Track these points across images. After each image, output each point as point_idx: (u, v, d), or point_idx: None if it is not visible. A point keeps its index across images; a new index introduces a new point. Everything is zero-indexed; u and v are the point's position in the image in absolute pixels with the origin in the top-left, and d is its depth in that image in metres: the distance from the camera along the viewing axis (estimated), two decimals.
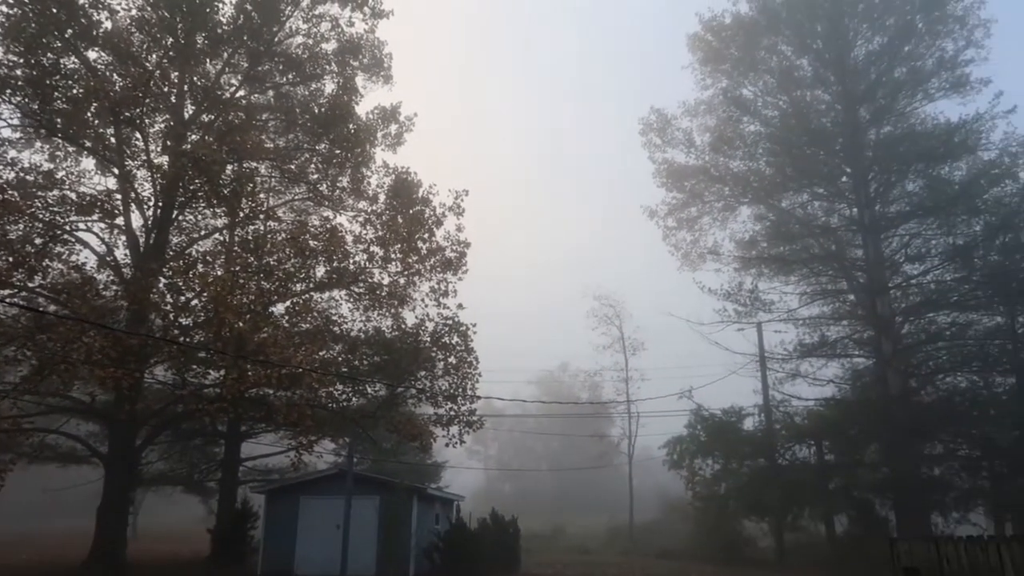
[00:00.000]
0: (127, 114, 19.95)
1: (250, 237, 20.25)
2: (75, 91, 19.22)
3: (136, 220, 21.41)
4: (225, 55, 23.25)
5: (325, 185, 24.28)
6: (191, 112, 22.64)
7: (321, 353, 20.61)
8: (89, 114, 19.88)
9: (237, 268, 19.07)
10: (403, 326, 22.91)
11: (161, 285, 18.76)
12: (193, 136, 21.50)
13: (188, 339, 19.11)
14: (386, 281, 22.30)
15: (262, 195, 22.58)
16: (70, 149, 22.91)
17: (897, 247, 30.94)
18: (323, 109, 23.17)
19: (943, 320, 29.99)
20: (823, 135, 31.86)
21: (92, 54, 20.84)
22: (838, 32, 32.40)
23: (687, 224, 35.99)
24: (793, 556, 29.23)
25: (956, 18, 30.81)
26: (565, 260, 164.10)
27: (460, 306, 22.78)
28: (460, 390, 21.99)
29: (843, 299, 32.78)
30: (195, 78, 22.44)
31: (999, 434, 27.18)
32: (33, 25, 18.59)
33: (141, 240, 21.27)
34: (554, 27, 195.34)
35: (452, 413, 22.11)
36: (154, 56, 21.30)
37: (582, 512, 59.72)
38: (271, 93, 25.96)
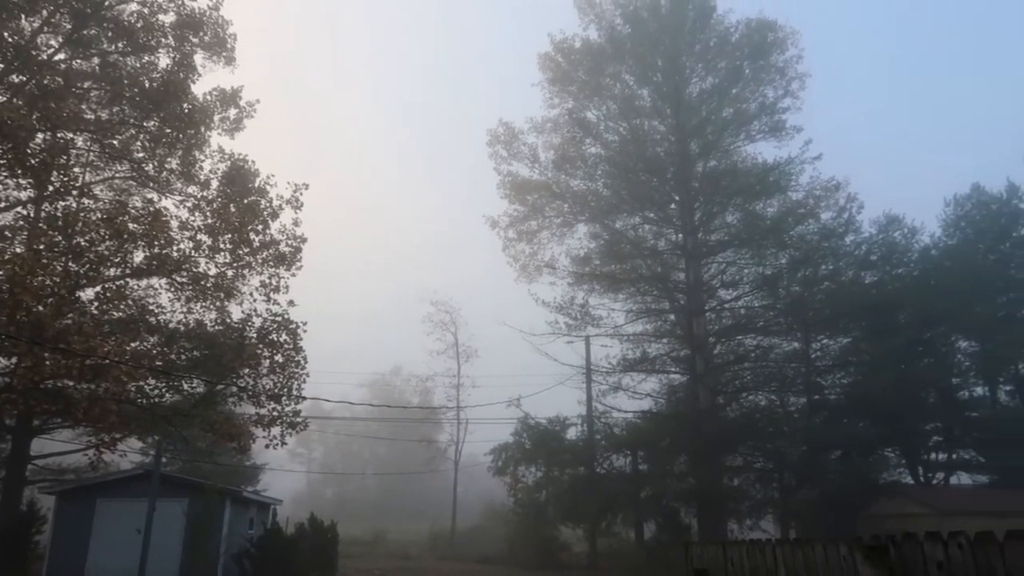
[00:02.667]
0: None
1: (59, 214, 18.39)
2: None
3: None
4: (45, 13, 21.02)
5: (151, 165, 22.54)
6: None
7: (133, 344, 19.07)
8: None
9: (41, 247, 17.25)
10: (228, 320, 21.69)
11: None
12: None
13: None
14: (213, 272, 21.04)
15: (77, 169, 20.54)
16: None
17: (715, 273, 33.29)
18: (155, 84, 21.47)
19: (750, 343, 32.66)
20: (657, 163, 33.73)
21: None
22: (676, 68, 34.56)
23: (527, 237, 36.76)
24: (605, 560, 30.60)
25: (777, 69, 33.78)
26: (407, 261, 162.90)
27: (291, 303, 21.92)
28: (285, 390, 21.13)
29: (665, 318, 34.76)
30: (6, 34, 20.10)
31: (790, 449, 29.99)
32: None
33: None
34: (412, 29, 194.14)
35: (275, 413, 21.17)
36: None
37: (406, 518, 59.27)
38: (96, 61, 23.70)
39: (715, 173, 33.12)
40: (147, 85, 21.82)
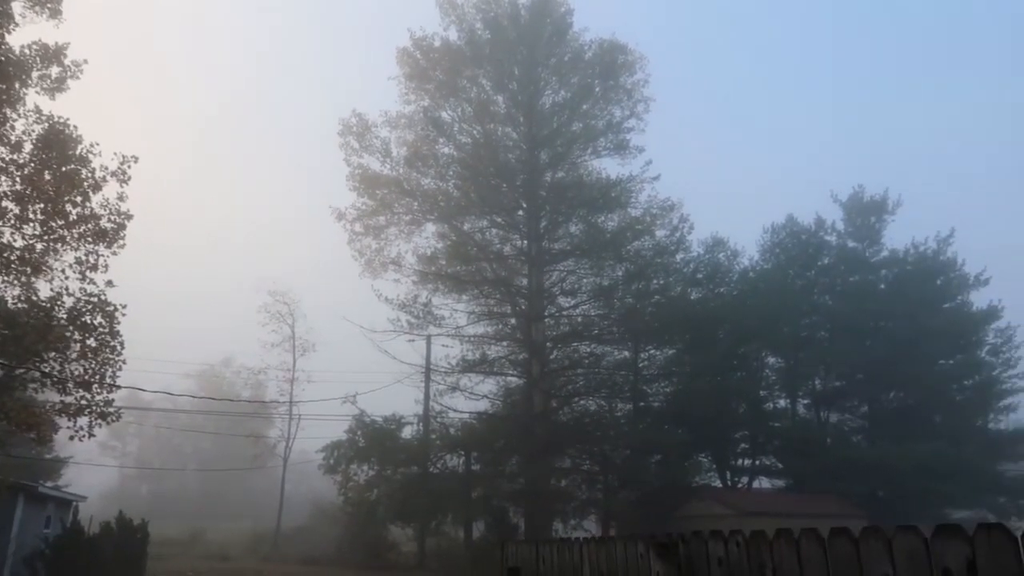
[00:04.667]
0: None
1: None
2: None
3: None
4: None
5: None
6: None
7: None
8: None
9: None
10: (35, 298, 19.71)
11: None
12: None
13: None
14: (19, 244, 19.05)
15: None
16: None
17: (556, 280, 34.38)
18: None
19: (584, 350, 34.06)
20: (507, 169, 34.42)
21: None
22: (531, 78, 35.45)
23: (374, 232, 36.11)
24: (433, 560, 30.74)
25: (625, 90, 35.49)
26: (248, 247, 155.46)
27: (110, 283, 20.23)
28: (97, 377, 19.48)
29: (506, 322, 35.44)
30: None
31: (615, 452, 31.57)
32: None
33: None
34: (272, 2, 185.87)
35: (84, 402, 19.45)
36: None
37: (228, 517, 56.57)
38: None
39: (562, 184, 34.26)
40: None
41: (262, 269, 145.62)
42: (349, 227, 35.51)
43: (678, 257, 35.13)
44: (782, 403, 38.73)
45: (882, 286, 38.46)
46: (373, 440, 31.62)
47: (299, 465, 48.02)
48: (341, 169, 35.09)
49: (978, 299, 37.26)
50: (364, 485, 32.28)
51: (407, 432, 33.08)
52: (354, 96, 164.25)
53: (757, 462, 37.37)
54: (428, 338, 33.56)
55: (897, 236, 43.43)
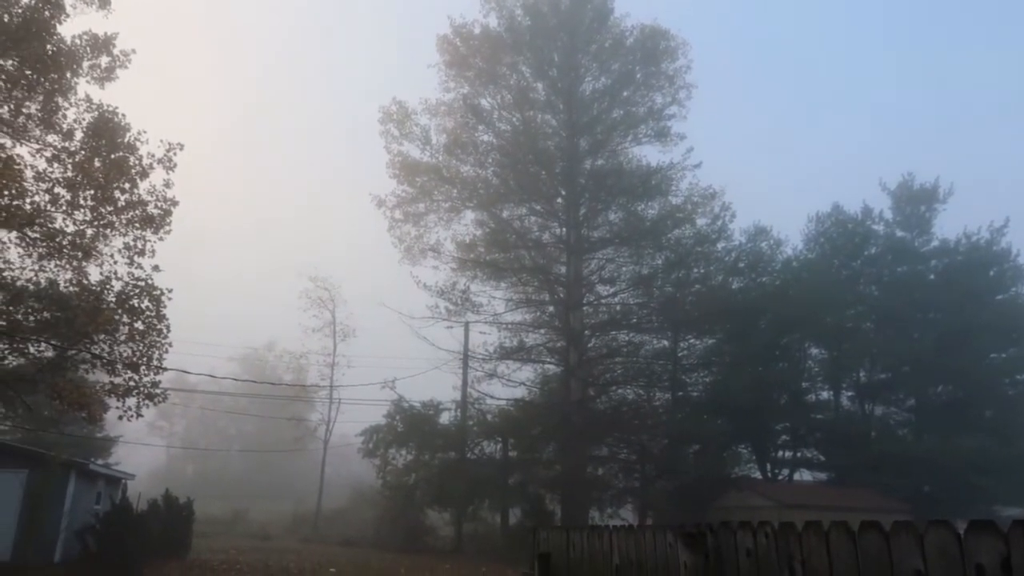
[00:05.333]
0: None
1: None
2: None
3: None
4: None
5: (7, 108, 20.69)
6: None
7: None
8: None
9: None
10: (85, 282, 20.27)
11: None
12: None
13: None
14: (70, 229, 19.60)
15: None
16: None
17: (594, 268, 34.24)
18: (16, 20, 19.74)
19: (622, 338, 33.90)
20: (547, 156, 34.27)
21: None
22: (571, 65, 35.19)
23: (413, 219, 36.36)
24: (469, 544, 30.97)
25: (667, 76, 35.03)
26: (291, 233, 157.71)
27: (156, 268, 20.72)
28: (144, 359, 19.99)
29: (544, 310, 35.44)
30: None
31: (653, 442, 31.39)
32: None
33: None
34: None
35: (132, 383, 19.99)
36: None
37: (269, 498, 57.68)
38: None
39: (602, 171, 34.01)
40: (6, 20, 20.02)
41: (305, 255, 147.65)
42: (389, 214, 35.85)
43: (719, 246, 34.73)
44: (825, 395, 38.14)
45: (931, 277, 37.50)
46: (411, 425, 31.94)
47: (339, 448, 48.75)
48: (383, 156, 35.31)
49: None
50: (402, 469, 32.66)
51: (445, 418, 33.42)
52: (396, 83, 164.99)
53: (798, 454, 36.87)
54: (466, 325, 33.73)
55: (948, 226, 42.25)
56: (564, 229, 34.25)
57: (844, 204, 39.19)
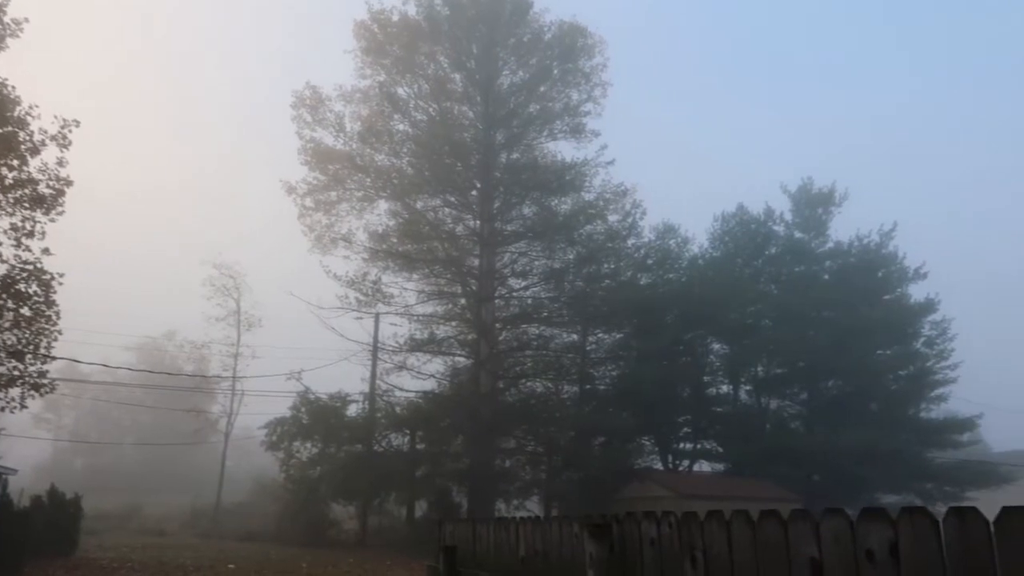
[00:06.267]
0: None
1: None
2: None
3: None
4: None
5: None
6: None
7: None
8: None
9: None
10: None
11: None
12: None
13: None
14: None
15: None
16: None
17: (507, 262, 34.37)
18: None
19: (533, 332, 34.16)
20: (462, 148, 34.09)
21: None
22: (489, 58, 35.12)
23: (325, 207, 35.41)
24: (375, 538, 30.63)
25: (583, 73, 35.46)
26: (195, 217, 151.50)
27: (46, 251, 19.50)
28: (31, 347, 18.79)
29: (456, 302, 35.26)
30: None
31: (560, 434, 31.80)
32: None
33: None
34: None
35: (16, 373, 18.78)
36: None
37: (167, 492, 55.35)
38: None
39: (517, 165, 34.16)
40: None
41: (209, 241, 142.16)
42: (300, 201, 34.80)
43: (629, 242, 35.47)
44: (725, 389, 39.57)
45: (826, 277, 39.43)
46: (317, 417, 31.25)
47: (241, 441, 47.31)
48: (295, 142, 34.29)
49: (916, 292, 38.56)
50: (307, 462, 31.96)
51: (352, 410, 32.84)
52: (311, 68, 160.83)
53: (699, 446, 38.11)
54: (376, 316, 33.24)
55: (843, 228, 44.51)
56: (478, 222, 34.19)
57: (749, 206, 40.67)
